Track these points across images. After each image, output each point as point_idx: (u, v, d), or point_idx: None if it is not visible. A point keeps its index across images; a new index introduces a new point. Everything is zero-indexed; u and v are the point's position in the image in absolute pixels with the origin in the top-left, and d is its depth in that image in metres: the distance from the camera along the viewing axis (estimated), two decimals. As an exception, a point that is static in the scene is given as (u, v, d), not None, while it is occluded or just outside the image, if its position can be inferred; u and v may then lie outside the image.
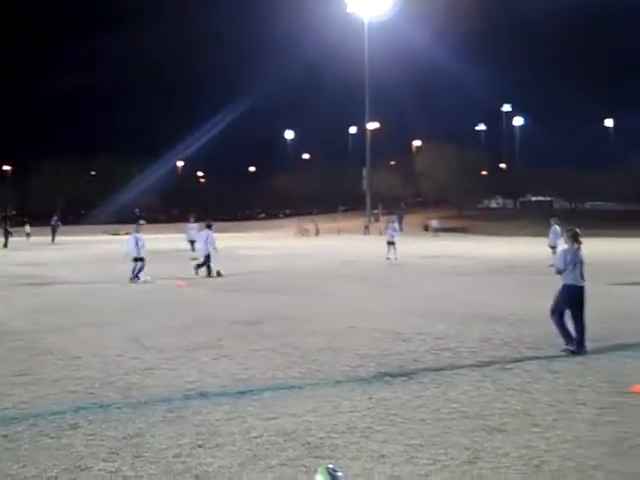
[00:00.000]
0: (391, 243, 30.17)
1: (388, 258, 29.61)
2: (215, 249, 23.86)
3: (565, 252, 11.06)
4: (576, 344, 10.63)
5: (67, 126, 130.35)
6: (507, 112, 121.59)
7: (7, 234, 48.35)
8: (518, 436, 6.87)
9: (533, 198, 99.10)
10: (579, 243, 10.98)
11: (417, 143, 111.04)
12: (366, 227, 70.29)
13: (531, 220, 63.50)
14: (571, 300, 10.74)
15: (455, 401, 8.11)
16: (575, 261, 10.76)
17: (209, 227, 24.46)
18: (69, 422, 7.47)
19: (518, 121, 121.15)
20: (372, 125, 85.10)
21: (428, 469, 6.05)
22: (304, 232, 65.49)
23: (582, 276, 10.80)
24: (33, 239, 57.53)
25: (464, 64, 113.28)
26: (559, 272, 10.90)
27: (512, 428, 7.12)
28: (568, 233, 11.29)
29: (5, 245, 47.14)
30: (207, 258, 23.61)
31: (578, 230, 11.31)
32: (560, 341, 10.81)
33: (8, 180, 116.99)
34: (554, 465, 6.10)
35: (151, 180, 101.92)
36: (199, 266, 23.81)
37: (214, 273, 23.45)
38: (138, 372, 9.80)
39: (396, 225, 31.55)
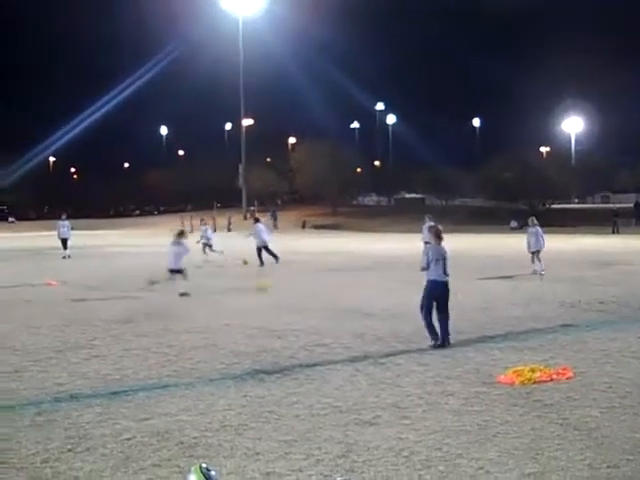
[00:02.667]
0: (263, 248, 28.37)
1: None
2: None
3: (428, 249, 11.48)
4: (441, 337, 11.01)
5: None
6: (380, 110, 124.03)
7: None
8: (389, 428, 7.06)
9: (407, 195, 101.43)
10: (441, 239, 11.40)
11: (292, 140, 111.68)
12: (229, 224, 69.99)
13: (405, 217, 64.94)
14: (435, 295, 11.12)
15: (329, 396, 8.25)
16: (437, 257, 11.14)
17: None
18: None
19: (391, 119, 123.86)
20: (247, 122, 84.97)
21: (302, 464, 6.13)
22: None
23: (445, 271, 11.19)
24: None
25: (339, 62, 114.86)
26: (423, 269, 11.27)
27: (383, 421, 7.31)
28: (430, 230, 11.75)
29: None
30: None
31: (440, 227, 11.77)
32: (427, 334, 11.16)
33: None
34: (423, 455, 6.31)
35: (20, 175, 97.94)
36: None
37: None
38: (4, 375, 9.46)
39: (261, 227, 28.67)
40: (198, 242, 28.00)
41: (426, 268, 11.20)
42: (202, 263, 25.64)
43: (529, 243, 21.87)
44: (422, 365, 9.81)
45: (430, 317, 11.10)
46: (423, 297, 11.22)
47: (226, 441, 6.76)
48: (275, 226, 63.26)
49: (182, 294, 17.20)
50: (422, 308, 11.19)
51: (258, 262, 25.81)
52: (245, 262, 25.88)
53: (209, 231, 29.82)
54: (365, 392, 8.45)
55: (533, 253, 21.67)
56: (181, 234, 19.10)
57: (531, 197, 74.76)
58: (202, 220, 32.14)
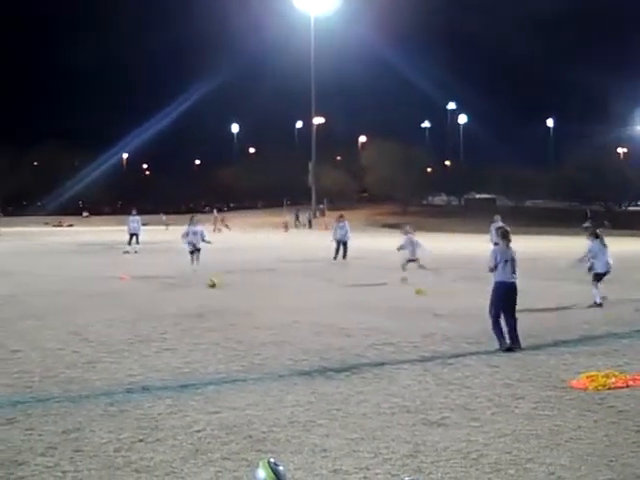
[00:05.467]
0: (341, 242, 28.90)
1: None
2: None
3: (495, 250, 11.30)
4: (510, 340, 10.81)
5: (5, 114, 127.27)
6: (452, 110, 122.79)
7: None
8: (458, 430, 6.98)
9: (477, 195, 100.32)
10: (509, 241, 11.21)
11: (363, 139, 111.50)
12: (309, 222, 70.40)
13: (475, 217, 64.32)
14: (503, 296, 10.94)
15: (397, 395, 8.20)
16: (505, 258, 10.96)
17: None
18: (6, 417, 7.35)
19: (462, 119, 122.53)
20: (318, 120, 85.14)
21: (369, 462, 6.10)
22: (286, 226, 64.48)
23: (513, 272, 11.00)
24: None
25: (410, 61, 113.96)
26: (491, 270, 11.11)
27: (452, 422, 7.23)
28: (498, 231, 11.57)
29: None
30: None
31: (507, 228, 11.58)
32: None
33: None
34: (492, 458, 6.21)
35: (95, 172, 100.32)
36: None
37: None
38: (79, 366, 9.68)
39: (346, 224, 29.23)
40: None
41: (493, 269, 11.05)
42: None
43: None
44: (492, 367, 9.68)
45: (498, 320, 10.91)
46: (491, 299, 11.06)
47: (294, 437, 6.78)
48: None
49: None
50: (491, 310, 11.03)
51: (334, 255, 27.57)
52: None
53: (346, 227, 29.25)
54: (433, 392, 8.38)
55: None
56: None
57: (607, 199, 73.13)
58: (341, 216, 30.47)
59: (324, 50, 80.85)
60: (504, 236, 11.27)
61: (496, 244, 12.98)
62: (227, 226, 59.18)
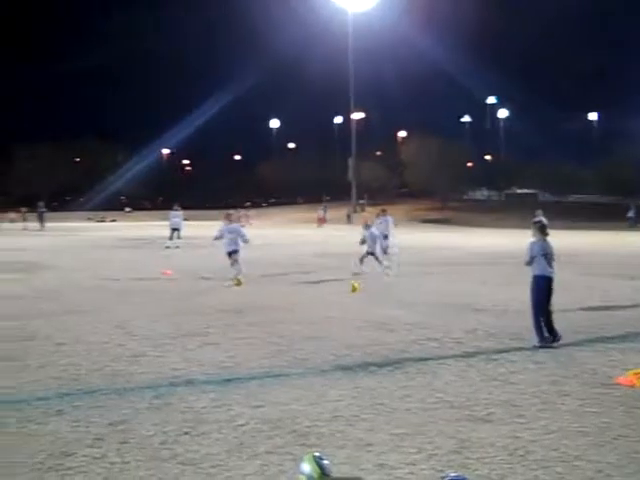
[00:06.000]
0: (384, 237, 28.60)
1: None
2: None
3: (532, 244, 11.15)
4: (548, 332, 10.68)
5: (49, 110, 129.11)
6: (492, 104, 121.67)
7: None
8: (503, 426, 6.92)
9: (518, 190, 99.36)
10: (545, 234, 11.08)
11: (402, 134, 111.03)
12: (348, 216, 70.38)
13: (516, 212, 63.71)
14: (541, 290, 10.81)
15: (440, 391, 8.16)
16: (543, 252, 10.84)
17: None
18: (55, 408, 7.46)
19: (503, 113, 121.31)
20: (357, 115, 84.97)
21: (414, 458, 6.08)
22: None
23: (550, 266, 10.86)
24: (19, 225, 57.25)
25: (449, 55, 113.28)
26: (527, 264, 11.01)
27: (497, 418, 7.16)
28: (535, 225, 11.43)
29: None
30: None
31: (545, 222, 11.46)
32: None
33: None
34: (538, 455, 6.15)
35: (137, 168, 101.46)
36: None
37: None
38: (124, 359, 9.78)
39: (388, 218, 28.99)
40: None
41: (530, 263, 10.94)
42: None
43: None
44: (536, 363, 9.57)
45: (540, 316, 10.76)
46: (531, 293, 10.93)
47: (338, 431, 6.78)
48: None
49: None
50: (533, 306, 10.90)
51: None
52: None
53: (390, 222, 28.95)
54: (478, 388, 8.31)
55: None
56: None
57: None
58: (384, 210, 29.79)
59: (362, 45, 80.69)
60: (541, 230, 11.16)
61: None
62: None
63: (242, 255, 18.86)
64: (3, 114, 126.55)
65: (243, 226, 26.15)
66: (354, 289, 17.03)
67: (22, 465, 5.92)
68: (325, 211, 69.16)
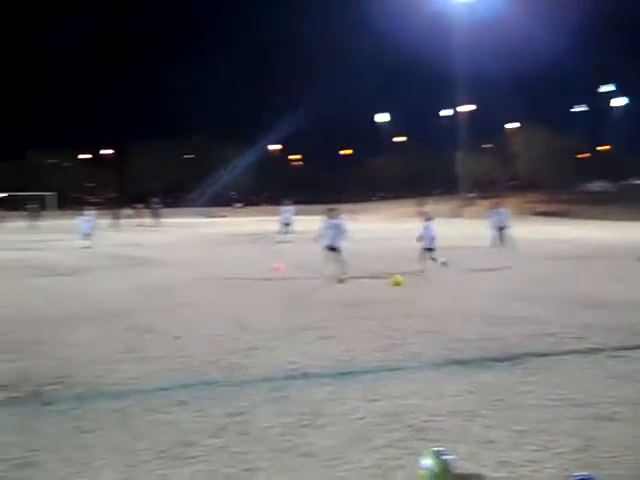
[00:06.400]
0: (501, 229, 28.56)
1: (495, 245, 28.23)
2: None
3: None
4: None
5: (161, 108, 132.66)
6: (607, 92, 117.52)
7: (116, 217, 50.32)
8: (631, 426, 6.65)
9: (636, 182, 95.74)
10: None
11: (512, 125, 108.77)
12: (456, 210, 69.77)
13: (634, 204, 61.49)
14: None
15: (562, 387, 7.92)
16: None
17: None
18: (176, 398, 7.64)
19: (620, 102, 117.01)
20: (466, 107, 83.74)
21: (537, 456, 5.92)
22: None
23: None
24: (135, 221, 59.25)
25: (561, 42, 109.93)
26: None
27: (625, 417, 6.89)
28: None
29: (113, 227, 48.83)
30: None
31: None
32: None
33: (110, 163, 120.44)
34: (670, 456, 5.89)
35: (246, 163, 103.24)
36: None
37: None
38: (239, 352, 9.94)
39: (504, 210, 28.69)
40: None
41: None
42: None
43: None
44: (663, 360, 9.18)
45: None
46: None
47: (456, 427, 6.68)
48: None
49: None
50: None
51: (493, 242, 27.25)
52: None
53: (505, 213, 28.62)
54: (601, 385, 8.03)
55: None
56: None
57: None
58: (497, 202, 29.90)
59: (470, 36, 79.35)
60: None
61: None
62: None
63: (346, 249, 18.67)
64: (119, 113, 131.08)
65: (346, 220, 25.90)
66: (397, 283, 16.84)
67: (147, 452, 6.09)
68: (425, 205, 68.40)
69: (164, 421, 6.92)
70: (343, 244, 18.52)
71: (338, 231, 18.35)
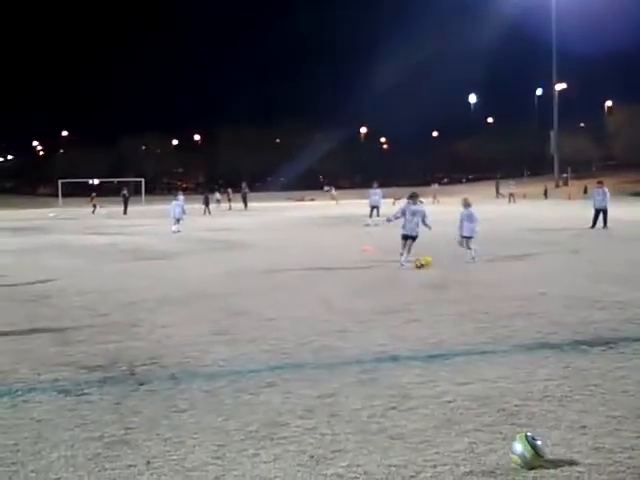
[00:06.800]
0: (601, 210, 27.89)
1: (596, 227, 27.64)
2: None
3: None
4: None
5: (251, 95, 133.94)
6: None
7: (207, 201, 51.28)
8: None
9: None
10: None
11: (608, 103, 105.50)
12: (545, 192, 68.40)
13: None
14: None
15: (660, 373, 7.67)
16: None
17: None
18: (266, 380, 7.73)
19: None
20: (560, 86, 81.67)
21: (634, 442, 5.74)
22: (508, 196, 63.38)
23: None
24: (223, 206, 60.17)
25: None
26: None
27: None
28: None
29: (204, 212, 49.74)
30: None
31: None
32: None
33: (199, 148, 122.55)
34: None
35: (334, 146, 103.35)
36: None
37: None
38: (329, 334, 9.98)
39: (605, 190, 28.59)
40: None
41: None
42: None
43: None
44: None
45: None
46: None
47: (549, 411, 6.54)
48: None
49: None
50: None
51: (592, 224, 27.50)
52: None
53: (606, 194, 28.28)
54: (702, 371, 7.74)
55: None
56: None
57: None
58: (600, 182, 29.35)
59: (564, 13, 77.23)
60: None
61: None
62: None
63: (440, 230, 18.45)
64: (208, 98, 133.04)
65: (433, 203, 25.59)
66: (425, 263, 16.54)
67: (238, 432, 6.18)
68: (508, 187, 67.05)
69: (254, 402, 7.01)
70: (424, 230, 17.84)
71: (419, 218, 17.56)
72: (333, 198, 72.25)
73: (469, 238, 18.17)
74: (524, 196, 68.60)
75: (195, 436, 6.11)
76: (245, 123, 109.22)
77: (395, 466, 5.39)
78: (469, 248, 18.04)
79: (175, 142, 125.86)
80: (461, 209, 18.75)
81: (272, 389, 7.42)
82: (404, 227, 17.53)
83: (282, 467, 5.41)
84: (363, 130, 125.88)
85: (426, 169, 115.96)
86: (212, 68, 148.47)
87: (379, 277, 15.55)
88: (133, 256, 21.45)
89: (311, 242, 25.31)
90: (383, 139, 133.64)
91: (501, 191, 70.35)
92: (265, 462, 5.52)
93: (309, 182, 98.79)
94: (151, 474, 5.37)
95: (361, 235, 27.61)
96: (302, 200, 78.14)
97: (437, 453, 5.64)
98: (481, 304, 11.97)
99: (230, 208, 58.05)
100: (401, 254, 17.18)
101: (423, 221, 17.60)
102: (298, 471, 5.34)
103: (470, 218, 18.30)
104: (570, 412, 6.52)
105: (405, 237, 17.37)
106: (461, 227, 18.32)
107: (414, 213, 17.46)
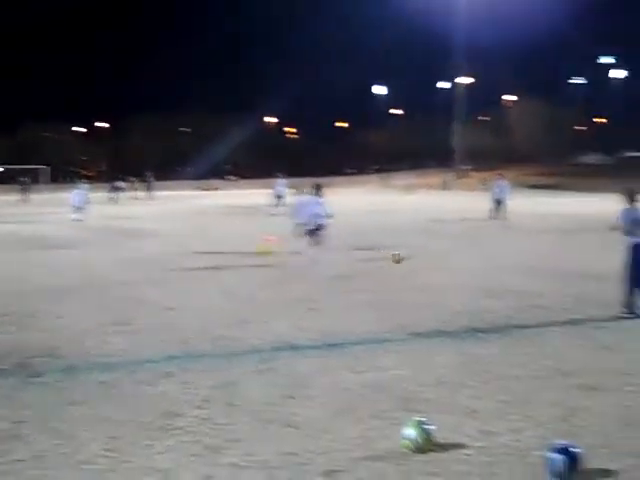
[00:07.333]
0: (499, 202, 28.76)
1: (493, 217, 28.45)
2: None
3: (624, 211, 10.61)
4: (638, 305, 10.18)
5: (158, 82, 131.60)
6: (606, 64, 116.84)
7: (115, 191, 50.28)
8: (614, 395, 6.71)
9: (630, 154, 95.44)
10: (635, 201, 10.51)
11: (509, 97, 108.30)
12: (444, 183, 69.93)
13: (629, 176, 61.38)
14: (632, 258, 10.32)
15: (549, 358, 7.96)
16: (634, 218, 10.30)
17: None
18: (164, 370, 7.67)
19: (618, 74, 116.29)
20: (463, 80, 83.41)
21: (520, 425, 5.96)
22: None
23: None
24: (128, 194, 59.07)
25: (560, 14, 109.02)
26: (621, 231, 10.50)
27: (608, 387, 6.95)
28: (624, 192, 10.82)
29: (108, 200, 48.69)
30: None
31: (634, 188, 10.83)
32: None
33: (103, 138, 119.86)
34: (652, 425, 5.94)
35: (242, 136, 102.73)
36: None
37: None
38: (229, 323, 9.96)
39: (505, 182, 29.63)
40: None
41: (621, 229, 10.45)
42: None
43: None
44: (650, 331, 9.23)
45: (630, 284, 10.28)
46: (625, 260, 10.44)
47: (443, 397, 6.72)
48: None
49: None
50: (624, 272, 10.43)
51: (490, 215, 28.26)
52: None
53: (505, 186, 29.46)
54: (587, 356, 8.08)
55: None
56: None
57: None
58: (500, 174, 31.99)
59: (469, 8, 78.85)
60: (631, 196, 10.60)
61: None
62: None
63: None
64: (113, 85, 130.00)
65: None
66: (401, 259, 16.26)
67: (132, 423, 6.11)
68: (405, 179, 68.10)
69: (151, 393, 6.94)
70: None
71: (320, 210, 15.75)
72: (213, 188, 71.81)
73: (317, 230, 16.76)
74: (428, 187, 69.78)
75: (88, 429, 6.01)
76: (151, 111, 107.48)
77: (290, 454, 5.44)
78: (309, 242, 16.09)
79: (80, 130, 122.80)
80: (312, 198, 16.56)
81: (170, 379, 7.36)
82: (307, 221, 15.79)
83: (175, 458, 5.38)
84: (270, 120, 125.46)
85: (332, 159, 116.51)
86: (117, 54, 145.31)
87: (282, 267, 15.56)
88: (33, 245, 20.86)
89: (215, 231, 25.12)
90: (290, 129, 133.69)
91: (395, 182, 71.46)
92: (159, 453, 5.48)
93: (216, 171, 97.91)
94: (41, 468, 5.25)
95: (265, 225, 27.57)
96: (208, 189, 77.42)
97: (331, 440, 5.71)
98: (383, 293, 12.16)
99: (136, 197, 57.03)
100: (310, 248, 15.68)
101: (324, 213, 15.86)
102: (192, 461, 5.32)
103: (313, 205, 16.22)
104: (463, 397, 6.71)
105: (310, 231, 15.76)
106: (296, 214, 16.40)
107: (316, 205, 15.96)
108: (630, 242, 10.39)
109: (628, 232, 10.42)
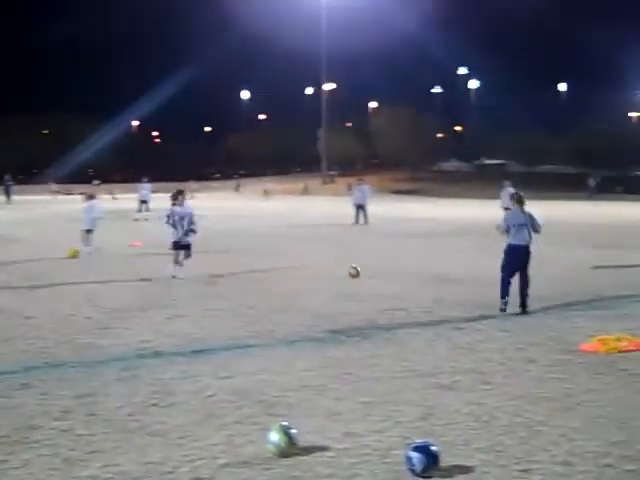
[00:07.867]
0: (360, 207, 29.30)
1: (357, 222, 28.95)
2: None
3: (509, 214, 11.39)
4: (520, 302, 10.86)
5: (16, 82, 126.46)
6: (463, 75, 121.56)
7: None
8: (469, 393, 7.00)
9: (487, 161, 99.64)
10: (522, 204, 11.23)
11: (373, 105, 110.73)
12: (305, 188, 70.58)
13: (486, 183, 63.97)
14: (512, 258, 10.99)
15: (408, 360, 8.22)
16: (519, 222, 11.00)
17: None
18: (21, 382, 7.41)
19: (474, 84, 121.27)
20: (328, 86, 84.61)
21: (381, 425, 6.14)
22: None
23: (529, 235, 11.02)
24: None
25: (420, 26, 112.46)
26: (504, 232, 11.17)
27: (463, 386, 7.25)
28: (513, 197, 11.67)
29: None
30: None
31: (522, 193, 11.62)
32: (513, 301, 10.95)
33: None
34: (504, 421, 6.24)
35: (105, 139, 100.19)
36: None
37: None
38: (92, 331, 9.74)
39: (365, 187, 30.25)
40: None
41: (506, 232, 11.10)
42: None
43: None
44: (503, 331, 9.69)
45: (508, 280, 10.95)
46: (503, 261, 11.12)
47: (306, 401, 6.82)
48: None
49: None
50: (502, 271, 11.08)
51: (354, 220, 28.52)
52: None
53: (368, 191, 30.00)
54: (445, 356, 8.40)
55: None
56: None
57: (621, 163, 72.77)
58: (361, 179, 32.36)
59: (334, 15, 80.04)
60: (519, 201, 11.33)
61: (507, 209, 12.91)
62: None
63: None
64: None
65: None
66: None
67: (-13, 439, 5.88)
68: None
69: (7, 406, 6.69)
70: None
71: (187, 222, 14.65)
72: (55, 192, 69.73)
73: (89, 231, 18.84)
74: (288, 192, 70.01)
75: (-62, 445, 5.73)
76: (9, 112, 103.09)
77: (153, 463, 5.38)
78: (87, 244, 18.65)
79: None
80: (86, 203, 19.63)
81: (27, 391, 7.12)
82: (174, 233, 14.68)
83: (32, 472, 5.21)
84: (135, 123, 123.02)
85: (198, 164, 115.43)
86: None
87: (146, 272, 15.28)
88: None
89: (74, 236, 24.37)
90: (155, 133, 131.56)
91: (253, 187, 71.44)
92: (14, 468, 5.29)
93: (79, 175, 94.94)
94: None
95: (130, 229, 27.05)
96: (70, 193, 75.01)
97: (196, 447, 5.69)
98: (247, 299, 12.18)
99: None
100: (175, 263, 14.63)
101: (190, 225, 14.73)
102: (50, 475, 5.17)
103: (91, 210, 19.09)
104: (325, 400, 6.83)
105: (176, 245, 14.63)
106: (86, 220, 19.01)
107: (182, 217, 14.69)
108: (512, 244, 10.97)
109: (512, 235, 11.00)
